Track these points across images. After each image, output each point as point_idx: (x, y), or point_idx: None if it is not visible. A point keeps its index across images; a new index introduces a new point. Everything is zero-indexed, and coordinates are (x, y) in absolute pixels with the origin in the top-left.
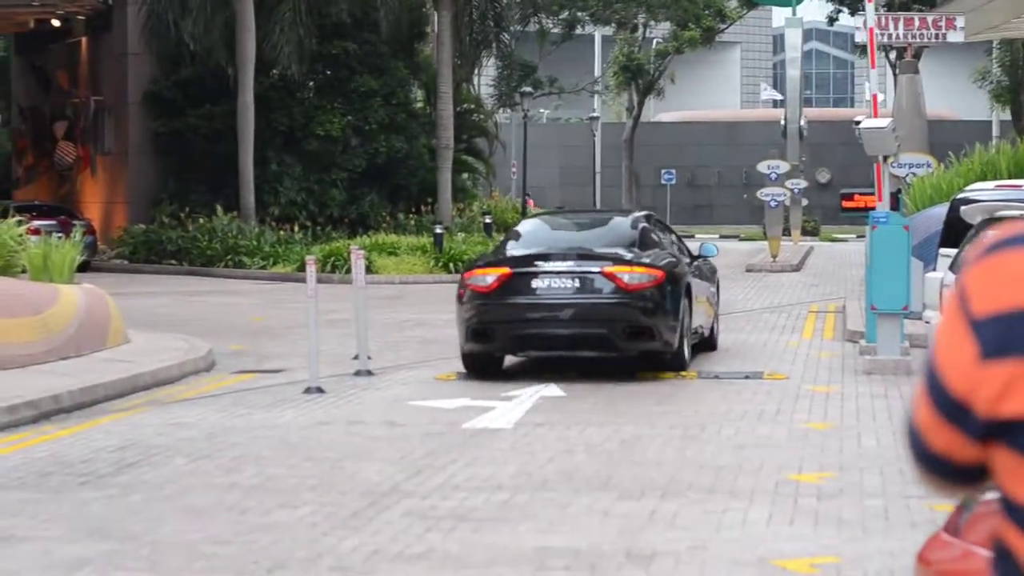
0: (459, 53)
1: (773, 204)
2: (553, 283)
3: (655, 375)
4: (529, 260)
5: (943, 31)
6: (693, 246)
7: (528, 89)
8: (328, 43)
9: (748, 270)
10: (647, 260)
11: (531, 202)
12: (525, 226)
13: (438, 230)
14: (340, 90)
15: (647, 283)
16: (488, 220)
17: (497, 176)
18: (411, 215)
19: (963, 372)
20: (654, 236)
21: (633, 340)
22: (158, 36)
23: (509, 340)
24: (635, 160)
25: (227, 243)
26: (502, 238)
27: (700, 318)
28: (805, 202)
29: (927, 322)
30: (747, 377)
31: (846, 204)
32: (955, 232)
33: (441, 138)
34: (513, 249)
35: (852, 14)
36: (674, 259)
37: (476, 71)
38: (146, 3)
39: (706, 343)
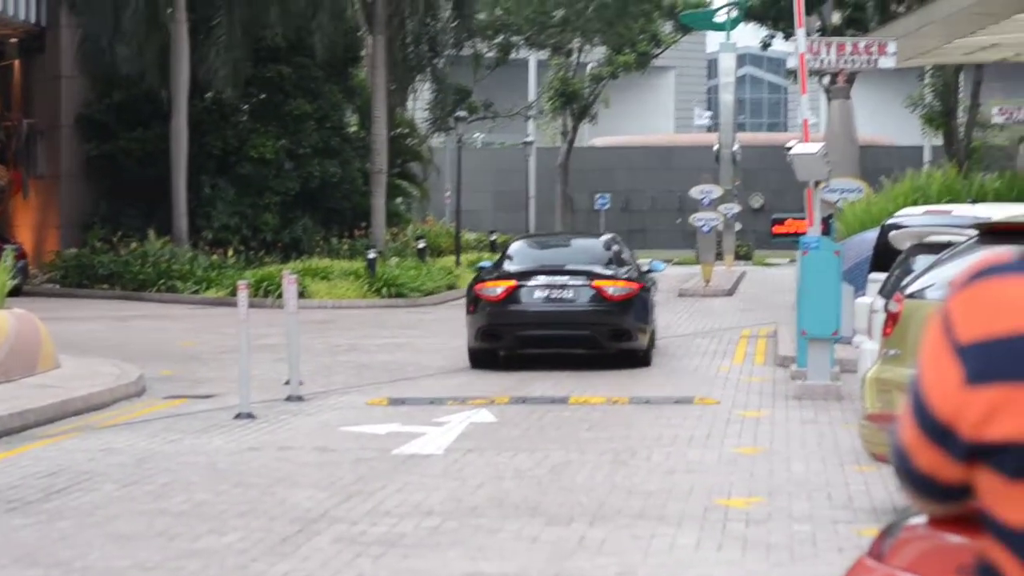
0: (393, 77)
1: (706, 229)
2: (551, 294)
3: (586, 400)
4: (529, 275)
5: (875, 57)
6: (643, 263)
7: (462, 113)
8: (262, 67)
9: (681, 295)
10: (626, 275)
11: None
12: (515, 247)
13: (371, 255)
14: (274, 114)
15: (627, 294)
16: (422, 245)
17: (431, 201)
18: (344, 239)
19: (948, 396)
20: (623, 255)
21: (615, 340)
22: (92, 59)
23: (514, 339)
24: (569, 185)
25: (160, 267)
26: (498, 257)
27: None
28: (738, 227)
29: (857, 347)
30: (678, 402)
31: (777, 229)
32: (885, 257)
33: (375, 162)
34: (511, 266)
35: (786, 39)
36: (641, 274)
37: (410, 95)
38: (81, 26)
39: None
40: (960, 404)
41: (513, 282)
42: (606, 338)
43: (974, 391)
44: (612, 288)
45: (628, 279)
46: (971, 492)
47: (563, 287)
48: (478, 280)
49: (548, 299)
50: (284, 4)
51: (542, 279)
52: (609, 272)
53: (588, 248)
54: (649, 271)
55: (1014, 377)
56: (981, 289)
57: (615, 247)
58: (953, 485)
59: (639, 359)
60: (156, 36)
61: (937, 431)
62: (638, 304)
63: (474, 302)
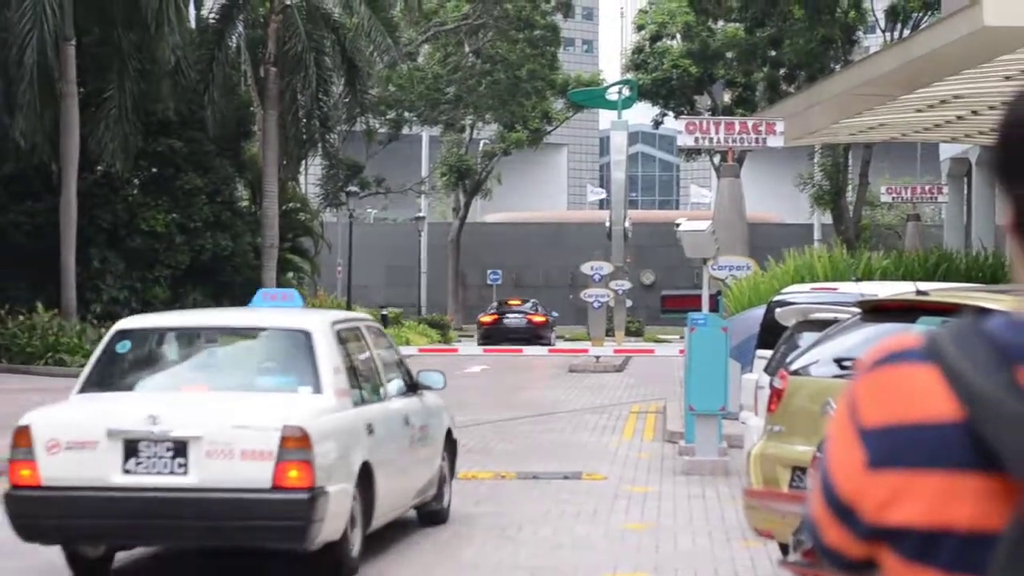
0: (285, 152)
1: (596, 305)
2: (514, 321)
3: (474, 475)
4: (504, 313)
5: (763, 136)
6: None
7: (354, 189)
8: (154, 140)
9: (571, 370)
10: (542, 313)
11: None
12: (493, 305)
13: None
14: (165, 187)
15: (543, 322)
16: None
17: (322, 275)
18: None
19: (851, 477)
20: (540, 308)
21: (538, 339)
22: None
23: (502, 338)
24: (461, 260)
25: (47, 341)
26: (487, 308)
27: None
28: (629, 303)
29: (743, 423)
30: (566, 477)
31: (669, 304)
32: (771, 334)
33: (266, 237)
34: (497, 312)
35: (676, 117)
36: (546, 314)
37: (302, 170)
38: None
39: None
40: (862, 486)
41: (496, 315)
42: (534, 338)
43: (875, 475)
44: (536, 319)
45: (543, 315)
46: (877, 566)
47: (517, 317)
48: (480, 315)
49: (511, 322)
50: (176, 79)
51: (509, 314)
52: (536, 312)
53: (525, 305)
54: (551, 314)
55: (913, 464)
56: (885, 374)
57: (538, 305)
58: (859, 560)
59: (547, 344)
60: (48, 109)
61: (841, 510)
62: (547, 325)
63: (479, 324)
